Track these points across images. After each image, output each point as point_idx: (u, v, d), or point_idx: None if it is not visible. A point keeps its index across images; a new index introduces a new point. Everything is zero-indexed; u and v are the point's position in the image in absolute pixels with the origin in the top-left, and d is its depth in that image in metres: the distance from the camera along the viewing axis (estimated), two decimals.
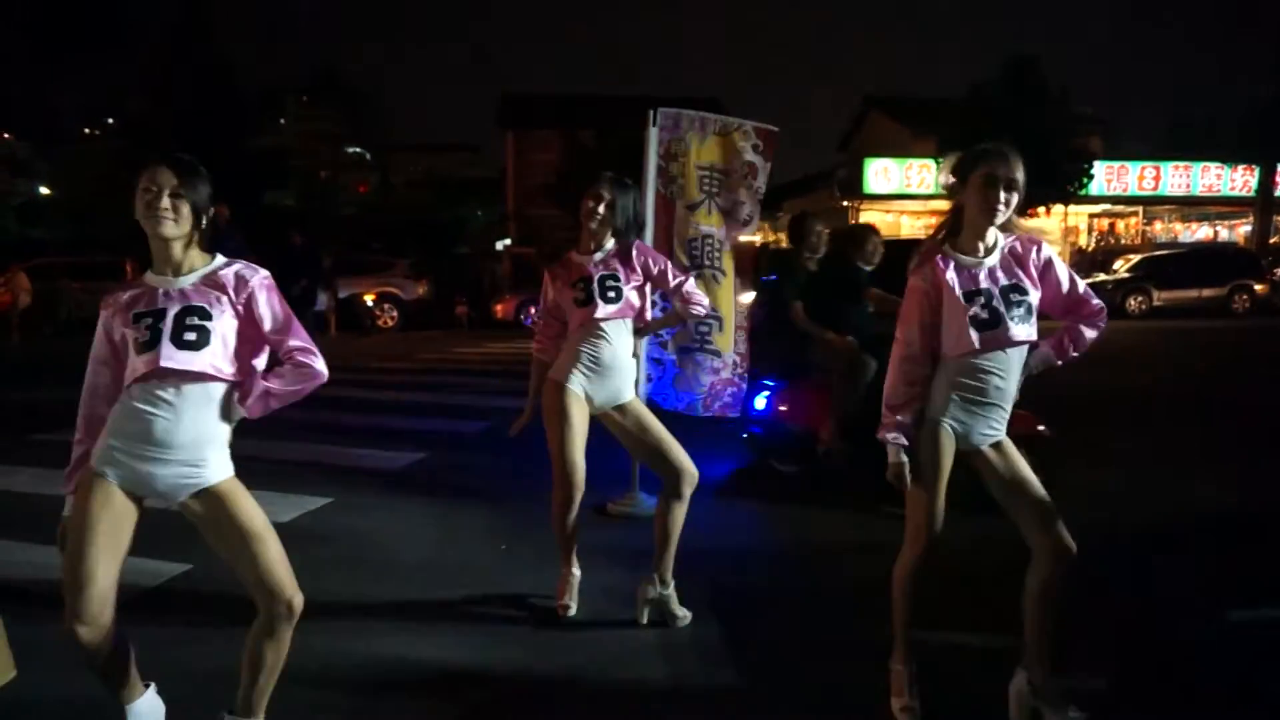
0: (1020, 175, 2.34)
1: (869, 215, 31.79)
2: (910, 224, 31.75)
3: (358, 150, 51.59)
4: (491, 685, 2.77)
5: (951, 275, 2.40)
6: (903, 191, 29.52)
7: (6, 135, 27.00)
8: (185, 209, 2.10)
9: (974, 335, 2.34)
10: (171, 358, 2.05)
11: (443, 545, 4.15)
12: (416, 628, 3.18)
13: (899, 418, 2.43)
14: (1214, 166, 29.75)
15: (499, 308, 19.38)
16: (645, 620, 3.16)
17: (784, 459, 5.31)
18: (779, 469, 5.31)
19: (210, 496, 2.15)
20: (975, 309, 2.35)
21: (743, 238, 4.75)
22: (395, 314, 18.69)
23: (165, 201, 2.08)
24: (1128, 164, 29.52)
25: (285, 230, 13.11)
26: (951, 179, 2.46)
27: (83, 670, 2.79)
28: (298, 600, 2.14)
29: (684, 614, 3.18)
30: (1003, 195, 2.33)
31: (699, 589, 3.48)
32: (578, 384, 3.17)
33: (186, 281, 2.15)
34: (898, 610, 2.55)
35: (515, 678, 2.82)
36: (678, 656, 2.95)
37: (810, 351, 5.10)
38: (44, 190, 33.00)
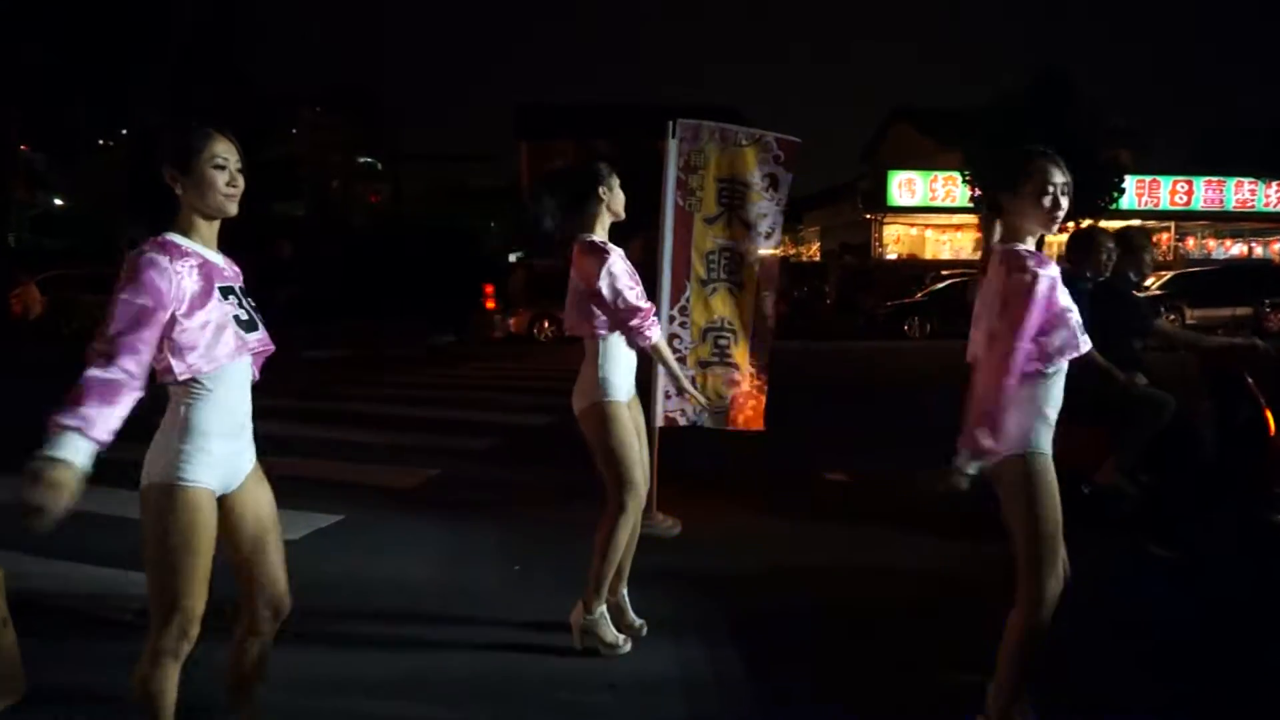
0: (1069, 177, 2.33)
1: (893, 228, 31.78)
2: (935, 238, 31.69)
3: (369, 160, 52.13)
4: (507, 710, 2.76)
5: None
6: (927, 204, 29.48)
7: (23, 147, 27.49)
8: (241, 183, 2.08)
9: (1079, 339, 2.29)
10: (268, 341, 2.10)
11: (455, 564, 4.15)
12: (428, 649, 3.17)
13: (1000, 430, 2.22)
14: (1247, 182, 29.57)
15: (511, 321, 19.43)
16: (579, 646, 3.11)
17: None
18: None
19: (253, 474, 2.16)
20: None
21: (765, 251, 4.73)
22: None
23: (237, 178, 2.05)
24: (1159, 178, 29.41)
25: (273, 237, 13.11)
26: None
27: (96, 687, 2.82)
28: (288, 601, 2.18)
29: (614, 638, 3.10)
30: (1065, 202, 2.31)
31: (721, 611, 3.47)
32: (626, 394, 3.13)
33: (223, 260, 2.12)
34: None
35: (530, 703, 2.80)
36: (698, 685, 2.92)
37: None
38: (58, 201, 33.52)
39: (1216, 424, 4.20)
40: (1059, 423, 2.32)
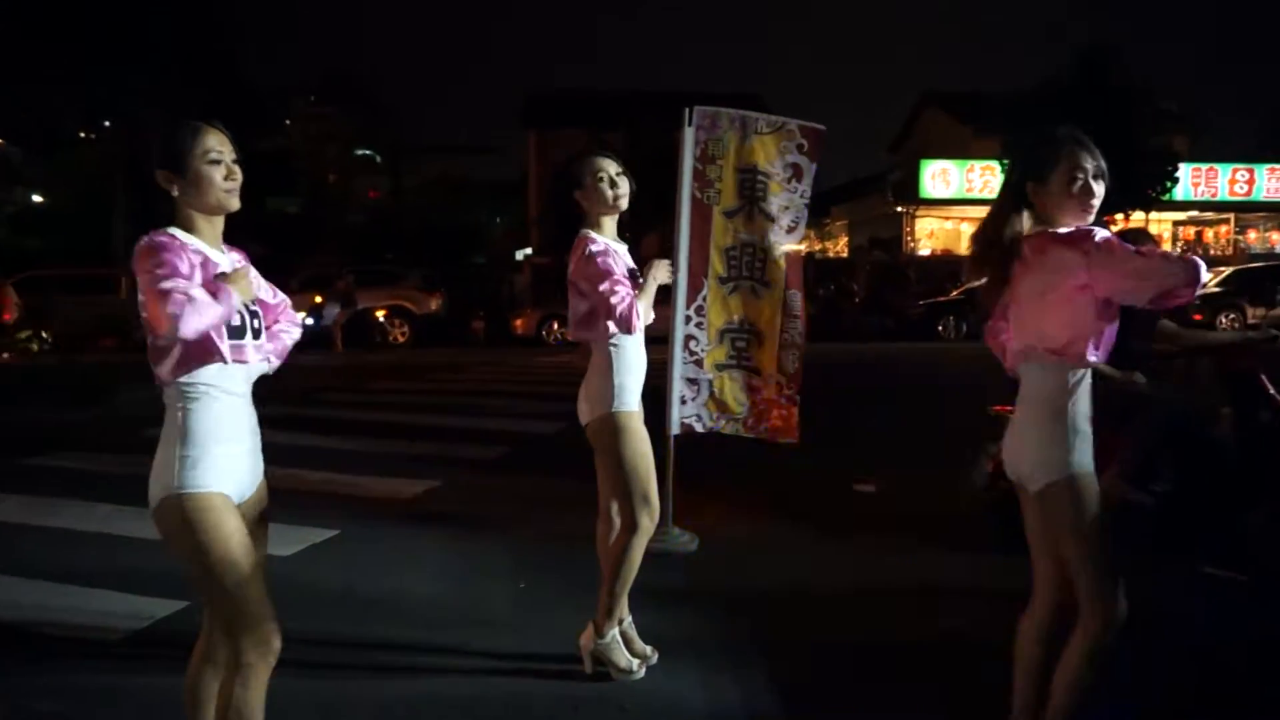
0: (1103, 162, 2.29)
1: (926, 222, 31.67)
2: (971, 232, 31.52)
3: (367, 153, 52.32)
4: None
5: None
6: (963, 196, 29.32)
7: (0, 141, 27.91)
8: (240, 175, 2.08)
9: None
10: (260, 347, 2.12)
11: (457, 581, 4.16)
12: (428, 671, 3.18)
13: None
14: None
15: (518, 323, 19.49)
16: (590, 671, 3.10)
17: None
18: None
19: (258, 491, 2.18)
20: None
21: (788, 246, 4.70)
22: (406, 329, 18.90)
23: (235, 170, 2.06)
24: (1217, 166, 29.12)
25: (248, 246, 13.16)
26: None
27: (75, 715, 2.84)
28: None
29: (628, 663, 3.07)
30: (1099, 188, 2.27)
31: (741, 631, 3.46)
32: (639, 403, 3.09)
33: (230, 262, 2.10)
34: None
35: None
36: (717, 708, 2.91)
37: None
38: (37, 198, 33.94)
39: (1237, 429, 4.08)
40: None
